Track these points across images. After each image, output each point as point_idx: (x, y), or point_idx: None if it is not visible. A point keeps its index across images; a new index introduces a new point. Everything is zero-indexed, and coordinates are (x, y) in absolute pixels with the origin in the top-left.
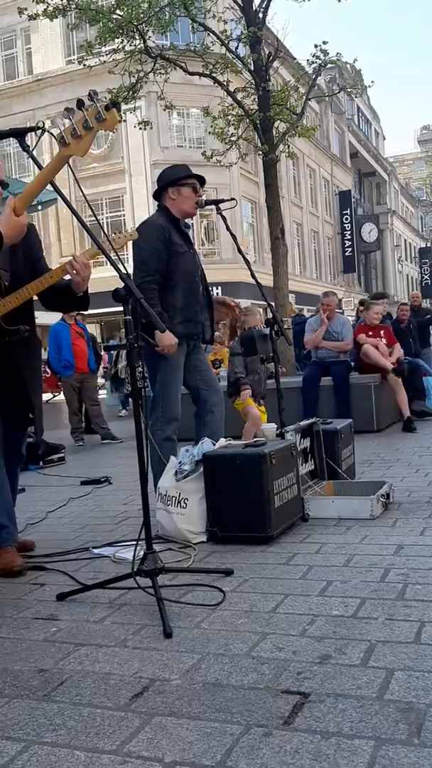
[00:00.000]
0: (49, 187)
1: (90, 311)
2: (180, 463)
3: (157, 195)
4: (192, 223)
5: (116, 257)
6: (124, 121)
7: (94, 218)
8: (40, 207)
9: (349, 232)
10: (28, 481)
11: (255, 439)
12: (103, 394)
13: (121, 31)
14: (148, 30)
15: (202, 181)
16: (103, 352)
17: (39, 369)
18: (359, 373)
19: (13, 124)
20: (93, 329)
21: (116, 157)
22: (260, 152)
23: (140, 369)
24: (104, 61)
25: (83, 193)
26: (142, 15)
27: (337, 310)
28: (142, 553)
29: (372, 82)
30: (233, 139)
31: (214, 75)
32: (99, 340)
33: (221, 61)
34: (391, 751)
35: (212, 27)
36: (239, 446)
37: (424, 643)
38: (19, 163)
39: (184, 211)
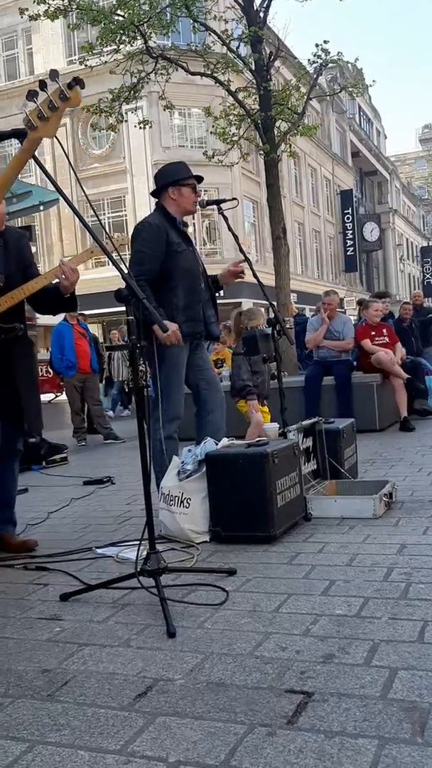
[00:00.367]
0: (50, 187)
1: (91, 311)
2: (183, 462)
3: (156, 193)
4: (193, 223)
5: (118, 257)
6: (126, 121)
7: (95, 218)
8: (41, 207)
9: (350, 232)
10: (30, 482)
11: (257, 439)
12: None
13: (122, 32)
14: (149, 30)
15: (199, 180)
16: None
17: (32, 367)
18: (363, 371)
19: (15, 124)
20: (94, 329)
21: (118, 157)
22: (261, 152)
23: (142, 368)
24: (105, 62)
25: (85, 194)
26: (143, 15)
27: (338, 310)
28: (145, 552)
29: (373, 81)
30: (234, 139)
31: (216, 75)
32: (101, 340)
33: (222, 61)
34: (395, 750)
35: (213, 27)
36: (242, 446)
37: (427, 642)
38: None
39: (184, 210)
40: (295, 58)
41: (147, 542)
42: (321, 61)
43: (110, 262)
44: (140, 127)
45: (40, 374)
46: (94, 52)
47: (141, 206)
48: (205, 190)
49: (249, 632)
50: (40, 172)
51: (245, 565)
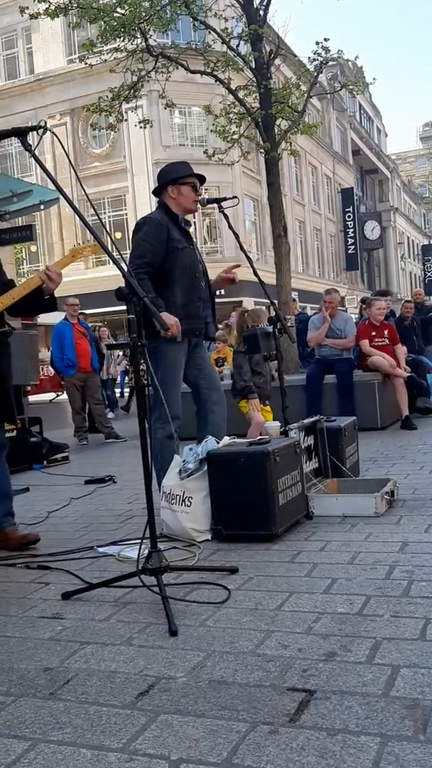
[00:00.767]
0: (51, 186)
1: (92, 310)
2: (184, 461)
3: (157, 192)
4: (194, 222)
5: (118, 255)
6: (126, 120)
7: (96, 217)
8: (42, 206)
9: (351, 230)
10: (32, 481)
11: (259, 437)
12: None
13: (122, 30)
14: (149, 28)
15: (201, 179)
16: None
17: (10, 365)
18: (362, 370)
19: (15, 123)
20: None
21: (118, 156)
22: (262, 150)
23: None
24: (105, 60)
25: (85, 193)
26: (143, 14)
27: (339, 308)
28: (146, 551)
29: (374, 79)
30: (235, 137)
31: (216, 73)
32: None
33: (222, 59)
34: (397, 748)
35: (213, 25)
36: (243, 444)
37: (429, 640)
38: (20, 162)
39: (184, 209)
40: (296, 56)
41: (148, 541)
42: (321, 59)
43: (111, 261)
44: (141, 127)
45: (41, 373)
46: (94, 50)
47: (141, 205)
48: (205, 189)
49: (251, 630)
50: (41, 171)
51: (247, 564)
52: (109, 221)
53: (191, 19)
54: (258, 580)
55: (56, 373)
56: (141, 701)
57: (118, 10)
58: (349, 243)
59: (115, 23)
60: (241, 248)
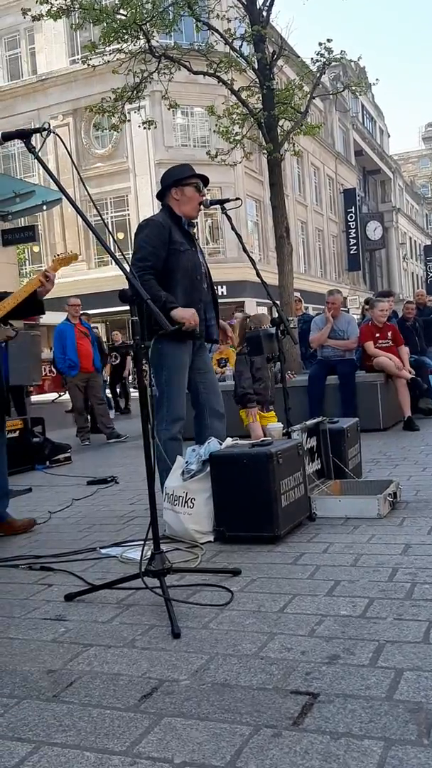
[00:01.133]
0: (53, 186)
1: (95, 310)
2: (187, 462)
3: (161, 195)
4: (196, 222)
5: (121, 256)
6: (129, 120)
7: (99, 218)
8: (45, 207)
9: (353, 230)
10: (34, 481)
11: (261, 439)
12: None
13: (125, 31)
14: (152, 30)
15: (205, 181)
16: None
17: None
18: (365, 371)
19: (18, 123)
20: (98, 329)
21: (121, 157)
22: (265, 151)
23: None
24: (108, 61)
25: (88, 193)
26: (146, 15)
27: (342, 309)
28: (149, 553)
29: (377, 79)
30: (238, 138)
31: (219, 74)
32: (104, 339)
33: (225, 60)
34: (401, 752)
35: (216, 26)
36: (246, 446)
37: None
38: (23, 163)
39: (186, 212)
40: (298, 56)
41: (151, 542)
42: (324, 59)
43: (113, 262)
44: (144, 128)
45: (44, 373)
46: (96, 51)
47: (144, 205)
48: (207, 189)
49: (254, 633)
50: (43, 172)
51: (250, 566)
52: (112, 222)
53: (194, 20)
54: (261, 582)
55: (58, 374)
56: (144, 704)
57: (121, 11)
58: (351, 243)
59: (117, 25)
60: (244, 250)
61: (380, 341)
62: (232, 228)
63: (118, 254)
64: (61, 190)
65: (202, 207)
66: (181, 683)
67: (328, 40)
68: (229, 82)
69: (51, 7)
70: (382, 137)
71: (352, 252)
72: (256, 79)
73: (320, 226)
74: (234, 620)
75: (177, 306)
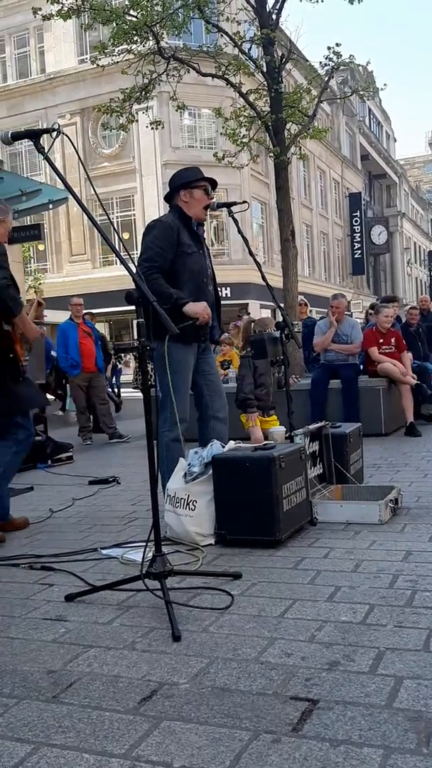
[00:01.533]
0: (60, 185)
1: (99, 310)
2: (189, 465)
3: (169, 197)
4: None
5: (126, 256)
6: (136, 121)
7: (105, 217)
8: (51, 206)
9: (358, 234)
10: (36, 480)
11: (264, 443)
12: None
13: (134, 32)
14: (161, 31)
15: (213, 184)
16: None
17: None
18: (368, 376)
19: (25, 122)
20: (101, 328)
21: (127, 157)
22: (271, 154)
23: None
24: (117, 62)
25: (95, 192)
26: (156, 16)
27: (345, 313)
28: (150, 554)
29: (384, 84)
30: (245, 140)
31: (227, 76)
32: (108, 338)
33: (234, 63)
34: (400, 760)
35: (225, 28)
36: (249, 449)
37: None
38: (30, 161)
39: (194, 214)
40: (307, 60)
41: (153, 544)
42: (333, 63)
43: (118, 261)
44: (152, 128)
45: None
46: (105, 52)
47: (150, 206)
48: (215, 191)
49: (254, 637)
50: (50, 171)
51: (250, 570)
52: (118, 221)
53: (204, 22)
54: (261, 586)
55: (58, 374)
56: (144, 707)
57: (131, 12)
58: (356, 247)
59: (127, 26)
60: (250, 252)
61: (383, 347)
62: (239, 231)
63: (123, 254)
64: (69, 189)
65: (209, 209)
66: (180, 687)
67: (337, 45)
68: (237, 84)
69: (62, 8)
70: (389, 142)
71: (356, 256)
72: (264, 82)
73: (325, 229)
74: (234, 624)
75: (188, 301)
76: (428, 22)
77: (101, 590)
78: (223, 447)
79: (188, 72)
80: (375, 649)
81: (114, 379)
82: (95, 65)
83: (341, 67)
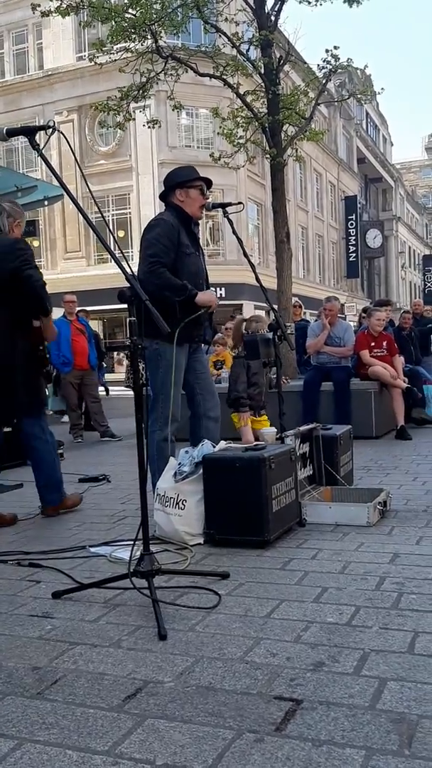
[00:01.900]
0: (56, 182)
1: (92, 307)
2: (179, 464)
3: (164, 195)
4: (198, 224)
5: (120, 254)
6: (133, 119)
7: (100, 215)
8: (46, 202)
9: (353, 238)
10: (25, 477)
11: (255, 443)
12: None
13: (133, 31)
14: (160, 30)
15: (208, 183)
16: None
17: None
18: (360, 378)
19: (22, 118)
20: (95, 326)
21: (124, 155)
22: (268, 155)
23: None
24: (115, 60)
25: (90, 190)
26: (154, 15)
27: (339, 315)
28: (138, 553)
29: (382, 88)
30: (241, 141)
31: (225, 77)
32: (101, 337)
33: (232, 64)
34: (382, 762)
35: (224, 29)
36: (239, 449)
37: (417, 654)
38: (26, 157)
39: (192, 213)
40: (305, 63)
41: (141, 543)
42: (330, 66)
43: (112, 259)
44: (149, 127)
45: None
46: (104, 49)
47: (145, 204)
48: (210, 191)
49: (240, 637)
50: (46, 167)
51: (238, 569)
52: (113, 219)
53: (202, 22)
54: (249, 586)
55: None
56: (128, 704)
57: (130, 11)
58: (351, 251)
59: (126, 24)
60: (245, 254)
61: (375, 350)
62: (234, 232)
63: (117, 253)
64: (63, 186)
65: (204, 210)
66: (165, 685)
67: (335, 47)
68: (234, 85)
69: (60, 4)
70: (386, 146)
71: (351, 259)
72: (262, 84)
73: (320, 232)
74: (221, 624)
75: (197, 292)
76: (428, 27)
77: (88, 588)
78: (214, 447)
79: (186, 72)
80: (360, 650)
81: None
82: (93, 63)
83: (339, 70)
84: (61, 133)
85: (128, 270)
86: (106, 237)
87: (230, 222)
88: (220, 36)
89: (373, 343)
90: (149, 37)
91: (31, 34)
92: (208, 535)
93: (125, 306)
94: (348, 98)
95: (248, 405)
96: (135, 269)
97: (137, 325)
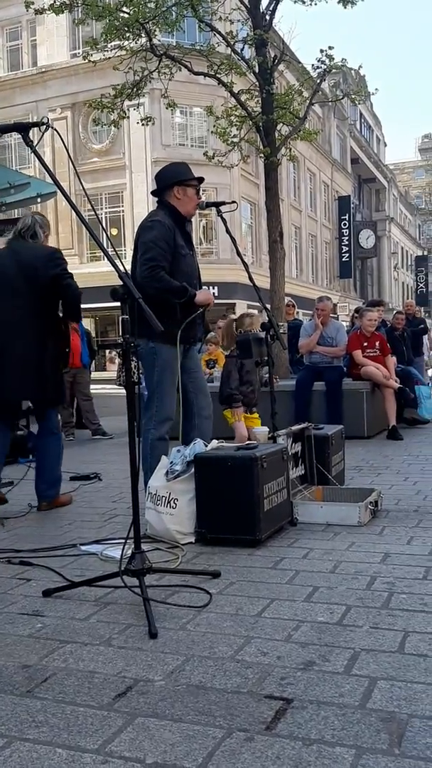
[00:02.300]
0: (49, 179)
1: (85, 305)
2: (171, 463)
3: (158, 192)
4: (191, 221)
5: (113, 252)
6: (127, 117)
7: (93, 213)
8: (39, 199)
9: (346, 238)
10: (17, 475)
11: (247, 442)
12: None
13: (127, 29)
14: (154, 29)
15: (200, 181)
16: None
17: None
18: (352, 378)
19: (16, 115)
20: (87, 324)
21: (117, 153)
22: (262, 155)
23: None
24: (109, 57)
25: (83, 188)
26: (148, 13)
27: (331, 315)
28: (129, 552)
29: (376, 89)
30: (235, 140)
31: (219, 76)
32: (93, 335)
33: (226, 62)
34: (372, 761)
35: (219, 27)
36: (231, 449)
37: (407, 653)
38: (19, 154)
39: (187, 212)
40: (299, 62)
41: (132, 541)
42: (325, 66)
43: (105, 257)
44: (143, 124)
45: None
46: (97, 47)
47: (139, 202)
48: (203, 190)
49: (231, 636)
50: (39, 164)
51: (229, 568)
52: (106, 217)
53: (197, 21)
54: (240, 585)
55: None
56: (118, 703)
57: (124, 9)
58: (344, 251)
59: (119, 22)
60: (238, 253)
61: (368, 350)
62: (227, 231)
63: (110, 250)
64: (57, 183)
65: (198, 208)
66: (156, 683)
67: (330, 48)
68: (229, 84)
69: (54, 2)
70: (379, 146)
71: (344, 259)
72: (256, 83)
73: (314, 231)
74: (211, 622)
75: (195, 293)
76: (423, 29)
77: (79, 586)
78: (206, 446)
79: (180, 70)
80: (350, 649)
81: None
82: (87, 60)
83: (333, 71)
84: (55, 129)
85: (121, 268)
86: (99, 235)
87: (224, 221)
88: (214, 35)
89: (365, 343)
90: (143, 35)
91: (25, 31)
92: (199, 533)
93: (118, 304)
94: (342, 98)
95: (241, 401)
96: (128, 267)
97: (130, 323)
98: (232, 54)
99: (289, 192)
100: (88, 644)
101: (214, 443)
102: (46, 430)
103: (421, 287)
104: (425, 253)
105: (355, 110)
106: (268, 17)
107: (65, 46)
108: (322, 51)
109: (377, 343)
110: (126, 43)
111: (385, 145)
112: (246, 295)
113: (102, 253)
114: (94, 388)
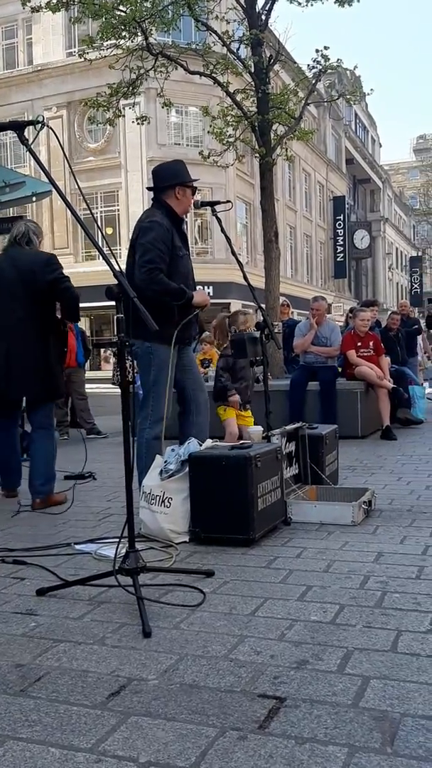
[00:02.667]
0: (44, 178)
1: (80, 304)
2: (165, 462)
3: (157, 190)
4: (186, 221)
5: (108, 251)
6: (123, 116)
7: (88, 212)
8: (34, 198)
9: (341, 238)
10: None
11: (241, 442)
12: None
13: (123, 28)
14: (150, 27)
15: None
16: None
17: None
18: (347, 378)
19: (11, 113)
20: (82, 323)
21: (113, 152)
22: (257, 154)
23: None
24: (105, 56)
25: (78, 186)
26: (145, 12)
27: (326, 315)
28: (123, 551)
29: (371, 89)
30: (231, 140)
31: (215, 75)
32: (88, 334)
33: (222, 62)
34: (364, 759)
35: (215, 27)
36: (225, 448)
37: (400, 652)
38: (15, 153)
39: (183, 212)
40: (295, 62)
41: (126, 540)
42: (320, 67)
43: (100, 256)
44: (138, 123)
45: None
46: (93, 46)
47: (134, 201)
48: (199, 190)
49: (224, 635)
50: (34, 163)
51: (223, 567)
52: (101, 216)
53: (193, 20)
54: (233, 584)
55: None
56: (111, 702)
57: (120, 7)
58: (339, 251)
59: (116, 21)
60: (233, 252)
61: (362, 350)
62: (222, 230)
63: (105, 250)
64: (52, 182)
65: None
66: (149, 682)
67: (325, 48)
68: (224, 83)
69: (51, 0)
70: (374, 147)
71: (338, 259)
72: (252, 83)
73: (309, 232)
74: (205, 621)
75: (193, 294)
76: (419, 29)
77: (73, 585)
78: (200, 445)
79: (176, 69)
80: (344, 648)
81: None
82: (83, 59)
83: (329, 71)
84: (50, 128)
85: (116, 267)
86: (94, 234)
87: (219, 220)
88: (210, 34)
89: (359, 343)
90: (139, 34)
91: (21, 29)
92: (193, 533)
93: (113, 303)
94: (337, 99)
95: (234, 394)
96: (123, 266)
97: (125, 323)
98: (228, 54)
99: (284, 192)
100: (81, 643)
101: (209, 442)
102: (41, 426)
103: (416, 288)
104: (419, 253)
105: (350, 111)
106: (264, 17)
107: (61, 45)
108: (317, 51)
109: (371, 343)
110: (122, 41)
111: (380, 146)
112: (241, 295)
113: (97, 252)
114: (89, 387)
